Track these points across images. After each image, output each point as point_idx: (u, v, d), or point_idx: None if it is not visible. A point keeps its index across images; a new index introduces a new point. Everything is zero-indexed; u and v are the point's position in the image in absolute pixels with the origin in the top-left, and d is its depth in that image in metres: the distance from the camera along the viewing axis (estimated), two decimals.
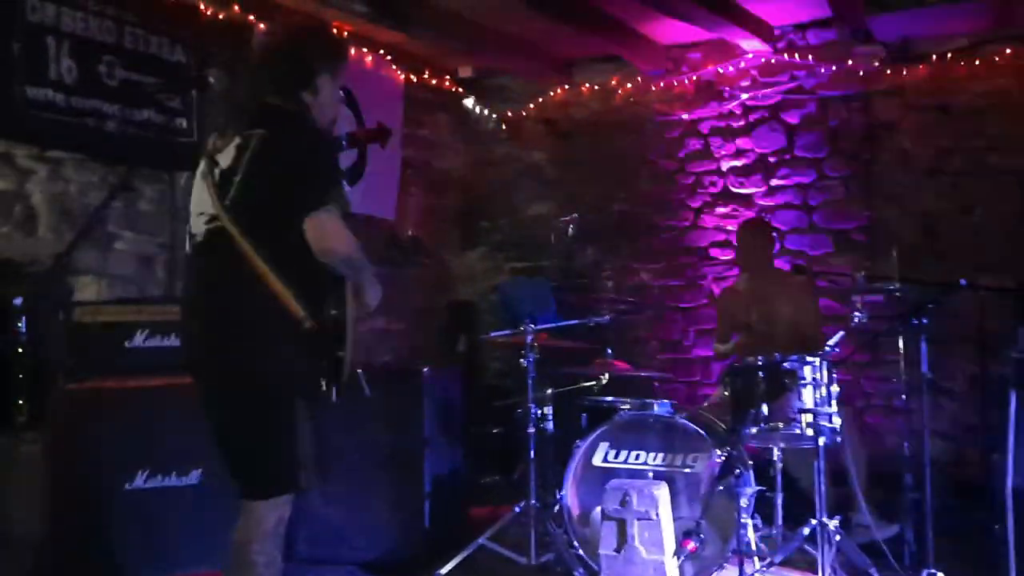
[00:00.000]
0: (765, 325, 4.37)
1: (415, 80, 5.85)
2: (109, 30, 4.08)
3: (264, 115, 2.41)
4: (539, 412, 3.90)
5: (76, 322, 3.30)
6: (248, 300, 2.32)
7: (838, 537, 3.31)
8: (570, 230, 4.88)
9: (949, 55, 5.05)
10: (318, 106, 2.50)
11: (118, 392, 3.24)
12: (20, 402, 3.71)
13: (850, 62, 5.26)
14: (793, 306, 4.40)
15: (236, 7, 4.60)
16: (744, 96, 5.64)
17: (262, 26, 4.79)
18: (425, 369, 4.05)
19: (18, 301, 3.53)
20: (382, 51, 5.53)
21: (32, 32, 3.80)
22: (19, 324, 3.68)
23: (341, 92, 2.64)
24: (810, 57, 5.37)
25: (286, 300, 2.29)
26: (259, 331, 2.34)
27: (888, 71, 5.20)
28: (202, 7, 4.47)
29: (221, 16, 4.55)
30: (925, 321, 3.45)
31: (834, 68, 5.32)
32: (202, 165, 2.46)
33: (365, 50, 5.44)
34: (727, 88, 5.69)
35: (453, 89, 6.21)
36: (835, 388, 3.48)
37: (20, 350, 3.71)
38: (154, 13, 4.23)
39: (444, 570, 3.58)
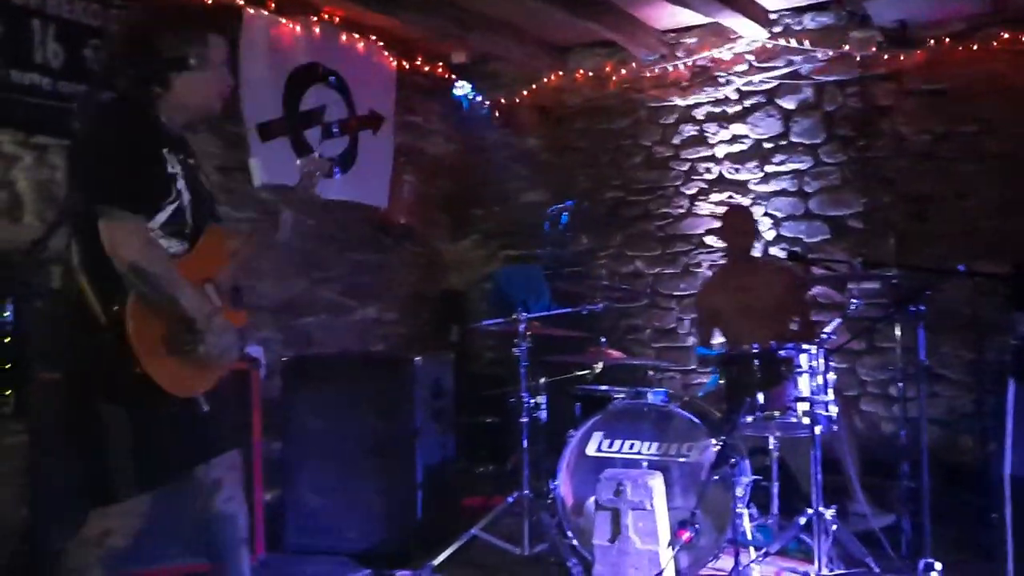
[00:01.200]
0: (742, 315, 4.33)
1: (407, 66, 5.79)
2: (95, 13, 4.00)
3: (96, 108, 2.44)
4: (532, 401, 3.87)
5: (55, 312, 3.23)
6: (64, 300, 2.34)
7: (834, 527, 3.29)
8: (563, 217, 4.85)
9: (946, 39, 5.00)
10: (172, 101, 2.43)
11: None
12: (5, 392, 3.66)
13: (847, 47, 5.21)
14: (773, 295, 4.36)
15: None
16: (739, 81, 5.59)
17: (250, 10, 4.73)
18: (417, 358, 4.01)
19: (1, 289, 3.48)
20: (374, 37, 5.46)
21: (17, 15, 3.73)
22: (4, 313, 3.62)
23: (222, 82, 2.52)
24: (806, 42, 5.31)
25: (87, 298, 2.24)
26: (68, 334, 2.35)
27: (885, 56, 5.15)
28: None
29: (208, 0, 4.47)
30: (922, 308, 3.42)
31: (831, 53, 5.26)
32: None
33: (357, 36, 5.37)
34: (722, 73, 5.64)
35: (446, 76, 6.14)
36: (831, 376, 3.44)
37: (6, 340, 3.66)
38: None
39: (437, 561, 3.55)
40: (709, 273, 4.76)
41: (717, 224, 5.63)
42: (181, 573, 3.37)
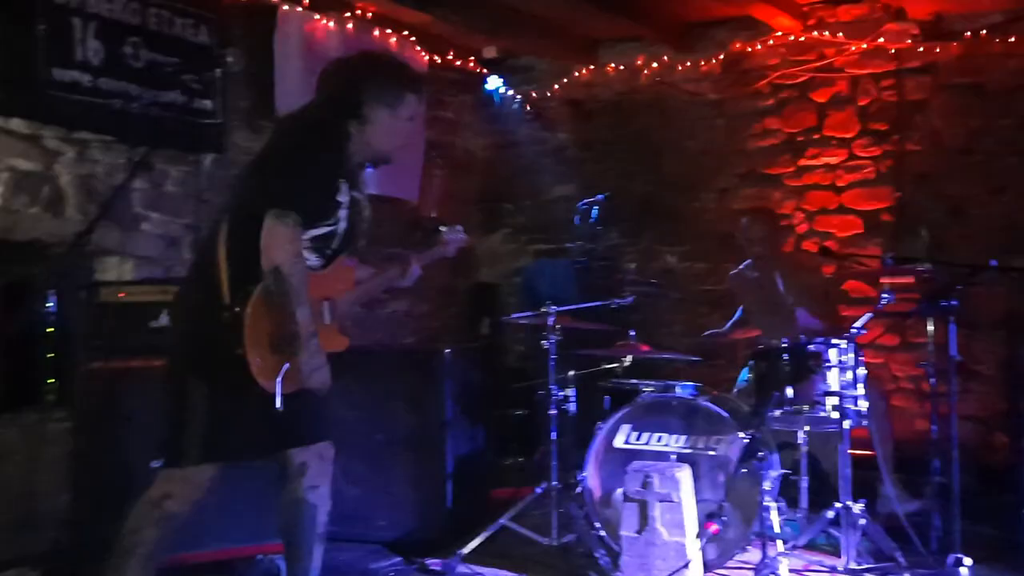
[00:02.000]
0: (770, 313, 4.31)
1: (439, 61, 5.83)
2: (134, 11, 4.09)
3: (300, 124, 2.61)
4: (561, 394, 3.89)
5: (101, 302, 3.33)
6: (195, 282, 2.55)
7: (863, 521, 3.28)
8: (594, 212, 4.85)
9: (983, 32, 4.93)
10: (362, 137, 2.56)
11: (143, 371, 3.27)
12: (49, 381, 3.77)
13: (881, 40, 5.15)
14: (802, 280, 4.33)
15: None
16: (772, 75, 5.56)
17: (285, 7, 4.80)
18: (447, 351, 4.06)
19: (45, 281, 3.59)
20: (406, 32, 5.51)
21: (58, 14, 3.82)
22: (47, 304, 3.74)
23: (404, 135, 2.68)
24: (840, 34, 5.27)
25: (220, 283, 2.40)
26: (191, 311, 2.54)
27: (920, 48, 5.09)
28: None
29: None
30: (954, 303, 3.39)
31: (865, 46, 5.22)
32: None
33: (389, 31, 5.42)
34: (755, 67, 5.61)
35: (477, 70, 6.17)
36: (861, 371, 3.43)
37: (48, 329, 3.77)
38: None
39: (466, 549, 3.60)
40: (741, 266, 4.72)
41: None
42: (237, 555, 3.45)
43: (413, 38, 5.58)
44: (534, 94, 6.31)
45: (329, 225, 2.49)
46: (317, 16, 5.00)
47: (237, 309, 2.36)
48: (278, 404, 2.41)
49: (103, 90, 3.96)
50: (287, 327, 2.39)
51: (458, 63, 6.01)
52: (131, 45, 4.08)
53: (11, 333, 3.66)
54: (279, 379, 2.38)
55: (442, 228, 3.05)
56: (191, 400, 2.46)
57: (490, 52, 6.17)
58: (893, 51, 5.16)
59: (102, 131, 4.02)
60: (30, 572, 3.47)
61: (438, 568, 3.58)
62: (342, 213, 2.51)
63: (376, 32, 5.35)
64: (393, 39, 5.46)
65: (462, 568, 3.54)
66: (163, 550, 2.54)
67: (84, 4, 3.91)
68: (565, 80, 6.19)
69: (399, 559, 3.72)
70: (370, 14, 5.26)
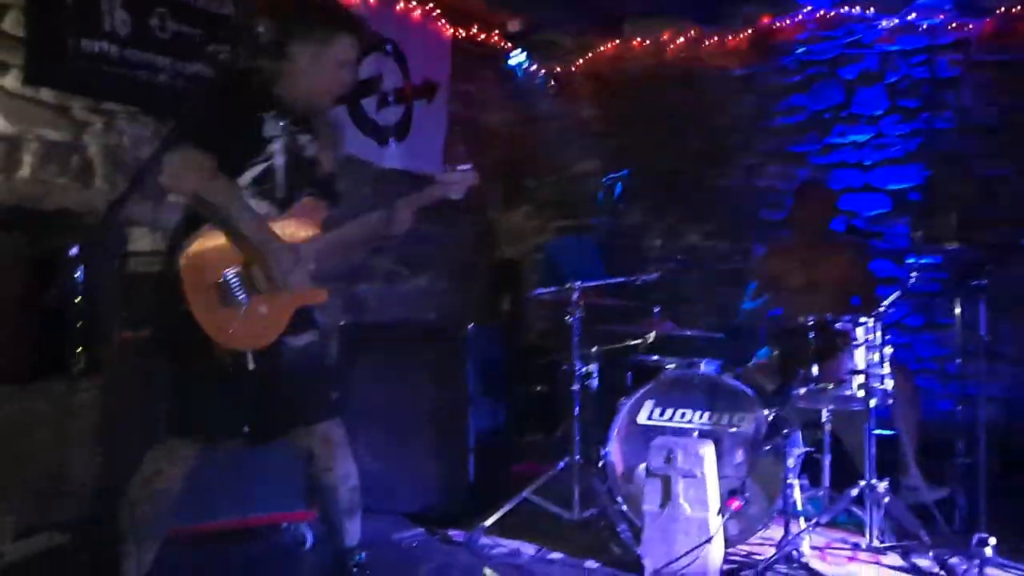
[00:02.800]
0: (811, 290, 4.27)
1: (463, 35, 5.79)
2: None
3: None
4: (584, 370, 3.90)
5: (131, 272, 3.35)
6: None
7: (887, 499, 3.27)
8: (617, 188, 4.83)
9: (1016, 8, 4.84)
10: (287, 76, 2.49)
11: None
12: (77, 351, 3.81)
13: (912, 15, 5.07)
14: (841, 271, 4.29)
15: None
16: (800, 50, 5.48)
17: None
18: (470, 327, 4.06)
19: (74, 251, 3.61)
20: (430, 5, 5.48)
21: None
22: (75, 274, 3.76)
23: (348, 66, 2.55)
24: (871, 10, 5.19)
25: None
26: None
27: (952, 24, 5.01)
28: None
29: None
30: (983, 283, 3.36)
31: (895, 21, 5.13)
32: None
33: (413, 4, 5.39)
34: (783, 42, 5.54)
35: (501, 44, 6.13)
36: (888, 350, 3.41)
37: (76, 299, 3.80)
38: None
39: (489, 522, 3.62)
40: (775, 241, 4.67)
41: (773, 197, 5.57)
42: (263, 523, 3.49)
43: (437, 11, 5.54)
44: (558, 68, 6.27)
45: (262, 161, 2.46)
46: None
47: (171, 259, 2.37)
48: (251, 364, 2.41)
49: (130, 61, 3.96)
50: (229, 269, 2.39)
51: (482, 37, 5.97)
52: (158, 16, 4.08)
53: (40, 303, 3.69)
54: (230, 331, 2.36)
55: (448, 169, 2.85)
56: (159, 378, 2.51)
57: (514, 26, 6.12)
58: (924, 27, 5.07)
59: (129, 102, 4.02)
60: (59, 537, 3.53)
61: (460, 539, 3.61)
62: (276, 147, 2.47)
63: (399, 5, 5.32)
64: (417, 11, 5.43)
65: (484, 540, 3.57)
66: (163, 525, 2.59)
67: None
68: (589, 55, 6.14)
69: (422, 530, 3.76)
70: None
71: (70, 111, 3.87)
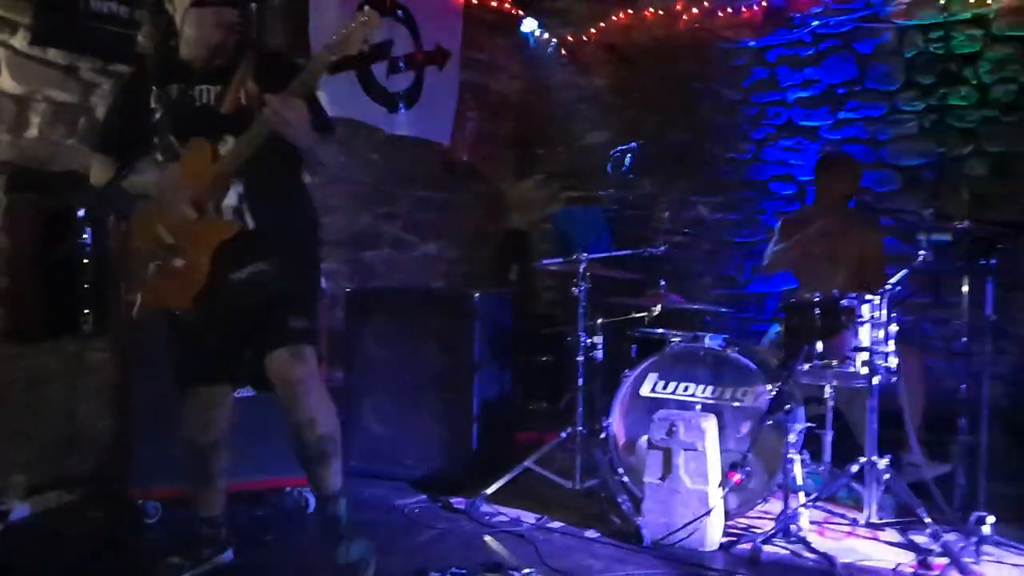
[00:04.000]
0: (827, 263, 4.25)
1: (475, 1, 5.73)
2: None
3: None
4: (589, 341, 3.91)
5: None
6: None
7: (887, 476, 3.29)
8: (627, 159, 4.79)
9: None
10: (181, 39, 2.64)
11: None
12: (86, 311, 3.84)
13: None
14: (859, 246, 4.27)
15: None
16: (815, 23, 5.41)
17: None
18: (476, 295, 4.07)
19: (82, 212, 3.62)
20: None
21: None
22: (84, 235, 3.78)
23: (212, 16, 2.59)
24: None
25: None
26: None
27: (971, 0, 4.93)
28: None
29: None
30: (993, 262, 3.34)
31: None
32: None
33: None
34: (797, 14, 5.46)
35: (513, 11, 6.07)
36: (893, 327, 3.40)
37: (85, 260, 3.82)
38: None
39: (490, 490, 3.65)
40: (796, 212, 4.62)
41: (784, 171, 5.53)
42: (267, 487, 3.55)
43: None
44: (570, 37, 6.21)
45: (155, 131, 2.60)
46: None
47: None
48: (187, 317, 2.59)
49: (139, 22, 3.95)
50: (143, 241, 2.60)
51: (494, 4, 5.91)
52: None
53: (50, 263, 3.71)
54: (152, 293, 2.57)
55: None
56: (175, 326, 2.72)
57: None
58: (943, 1, 4.99)
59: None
60: (68, 496, 3.59)
61: (462, 507, 3.65)
62: (158, 115, 2.60)
63: None
64: None
65: (485, 507, 3.61)
66: (213, 470, 2.80)
67: None
68: (602, 24, 6.07)
69: (424, 497, 3.80)
70: None
71: (78, 72, 3.86)
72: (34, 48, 3.69)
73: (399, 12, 5.23)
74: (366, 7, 2.70)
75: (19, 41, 3.64)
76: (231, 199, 2.56)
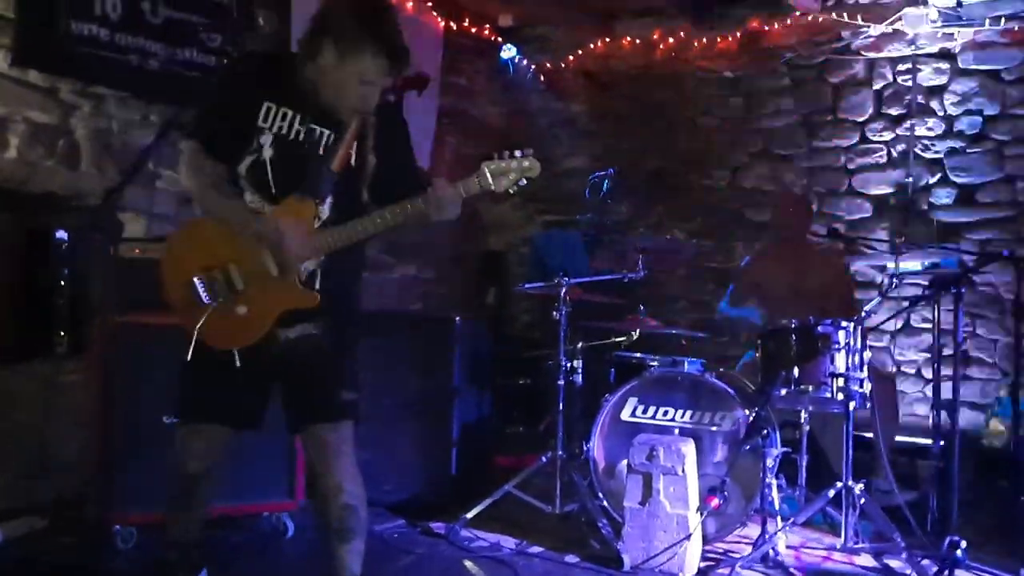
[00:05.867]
0: (794, 295, 4.32)
1: (455, 27, 5.79)
2: None
3: None
4: (569, 365, 3.93)
5: (120, 257, 3.34)
6: None
7: (862, 501, 3.34)
8: (604, 184, 4.85)
9: (1003, 20, 4.91)
10: (317, 72, 2.32)
11: (156, 327, 3.30)
12: (61, 333, 3.80)
13: (900, 23, 5.13)
14: (823, 277, 4.35)
15: None
16: (789, 55, 5.53)
17: None
18: (456, 318, 4.09)
19: (61, 234, 3.60)
20: None
21: None
22: (63, 257, 3.75)
23: (370, 86, 2.33)
24: (859, 17, 5.24)
25: None
26: None
27: (939, 34, 5.07)
28: None
29: None
30: (962, 290, 3.43)
31: (883, 29, 5.19)
32: None
33: None
34: (772, 46, 5.58)
35: (492, 38, 6.14)
36: (868, 354, 3.47)
37: (62, 282, 3.79)
38: None
39: (470, 515, 3.65)
40: (759, 245, 4.73)
41: (760, 197, 5.62)
42: (244, 512, 3.51)
43: (429, 3, 5.54)
44: (548, 64, 6.28)
45: (251, 154, 2.35)
46: None
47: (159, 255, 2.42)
48: (237, 362, 2.39)
49: (120, 45, 3.95)
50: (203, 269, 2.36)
51: (473, 30, 5.97)
52: (150, 1, 4.06)
53: (26, 284, 3.68)
54: (201, 329, 2.35)
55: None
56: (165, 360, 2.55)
57: (506, 20, 6.13)
58: (910, 35, 5.13)
59: (118, 86, 4.01)
60: (39, 521, 3.53)
61: (441, 532, 3.64)
62: (264, 140, 2.35)
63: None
64: (409, 3, 5.43)
65: (465, 532, 3.60)
66: (195, 503, 2.64)
67: None
68: (580, 51, 6.16)
69: (402, 521, 3.78)
70: None
71: (58, 93, 3.85)
72: (14, 69, 3.68)
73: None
74: (528, 151, 2.41)
75: None
76: (310, 263, 2.40)
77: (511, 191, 2.41)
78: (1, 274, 3.66)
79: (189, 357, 2.41)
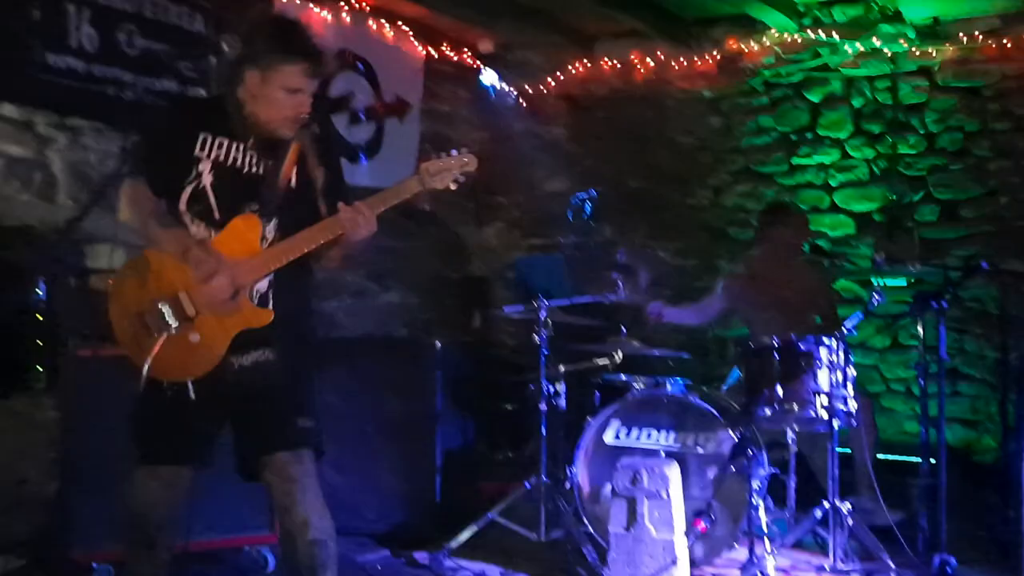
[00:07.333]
0: (774, 309, 4.30)
1: (435, 54, 5.81)
2: None
3: None
4: (551, 389, 3.90)
5: (90, 289, 3.31)
6: None
7: (850, 521, 3.30)
8: (587, 206, 4.84)
9: (979, 35, 4.94)
10: (246, 96, 2.40)
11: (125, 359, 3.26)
12: (38, 368, 3.76)
13: (877, 41, 5.16)
14: (805, 291, 4.32)
15: None
16: (767, 73, 5.56)
17: None
18: (437, 343, 4.06)
19: (34, 267, 3.57)
20: (402, 24, 5.49)
21: None
22: (37, 290, 3.72)
23: (299, 93, 2.40)
24: (835, 35, 5.28)
25: None
26: None
27: (916, 51, 5.10)
28: None
29: None
30: (945, 305, 3.41)
31: (860, 47, 5.22)
32: None
33: (385, 23, 5.40)
34: (750, 65, 5.61)
35: (473, 64, 6.16)
36: (851, 371, 3.45)
37: (38, 316, 3.75)
38: None
39: (454, 543, 3.60)
40: (740, 261, 4.71)
41: (741, 216, 5.62)
42: (224, 545, 3.45)
43: (409, 31, 5.56)
44: (529, 88, 6.30)
45: (190, 183, 2.40)
46: (314, 7, 4.97)
47: (107, 284, 2.45)
48: (191, 394, 2.36)
49: (96, 76, 3.94)
50: (150, 301, 2.34)
51: (454, 57, 5.98)
52: (125, 32, 4.05)
53: (1, 319, 3.63)
54: (147, 361, 2.30)
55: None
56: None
57: (486, 46, 6.15)
58: (889, 53, 5.16)
59: (95, 118, 3.99)
60: (16, 561, 3.46)
61: (425, 562, 3.59)
62: (202, 168, 2.40)
63: (372, 24, 5.32)
64: (389, 31, 5.44)
65: (449, 562, 3.55)
66: (156, 542, 2.54)
67: None
68: (560, 75, 6.18)
69: (386, 552, 3.73)
70: (367, 6, 5.24)
71: (34, 127, 3.83)
72: None
73: (360, 65, 5.28)
74: (464, 150, 2.53)
75: None
76: (262, 284, 2.42)
77: (452, 186, 2.50)
78: None
79: (141, 393, 2.37)
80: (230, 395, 2.42)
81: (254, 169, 2.46)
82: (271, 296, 2.44)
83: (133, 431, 2.48)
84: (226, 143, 2.43)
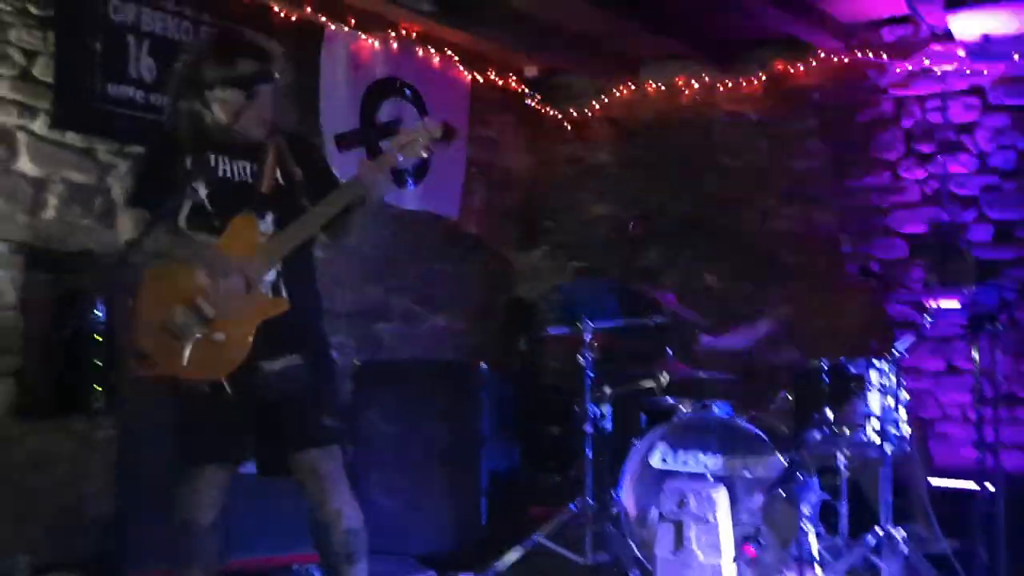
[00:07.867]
0: (828, 335, 4.24)
1: (481, 80, 5.89)
2: (186, 30, 4.21)
3: None
4: (597, 412, 3.89)
5: None
6: None
7: (905, 548, 3.22)
8: (632, 229, 4.85)
9: None
10: (222, 115, 2.57)
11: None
12: (97, 388, 3.86)
13: (926, 61, 5.10)
14: (858, 316, 4.26)
15: (308, 7, 4.71)
16: (815, 95, 5.52)
17: (332, 27, 4.89)
18: (484, 366, 4.08)
19: (94, 289, 3.68)
20: (449, 51, 5.58)
21: (113, 31, 3.95)
22: (96, 312, 3.83)
23: (255, 108, 2.58)
24: (884, 55, 5.23)
25: None
26: None
27: (967, 70, 5.03)
28: (275, 7, 4.58)
29: (293, 17, 4.66)
30: (1000, 328, 3.34)
31: (909, 67, 5.16)
32: None
33: (433, 50, 5.49)
34: (797, 87, 5.58)
35: (519, 89, 6.22)
36: (904, 395, 3.38)
37: (98, 338, 3.86)
38: (229, 13, 4.35)
39: (500, 566, 3.59)
40: (790, 286, 4.67)
41: (791, 240, 5.56)
42: (272, 564, 3.51)
43: (456, 57, 5.65)
44: (575, 112, 6.34)
45: (188, 198, 2.54)
46: (363, 36, 5.09)
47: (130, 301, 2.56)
48: (228, 390, 2.45)
49: (155, 106, 4.07)
50: (173, 307, 2.46)
51: (500, 82, 6.06)
52: (182, 63, 4.18)
53: (62, 341, 3.75)
54: (185, 364, 2.43)
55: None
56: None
57: (531, 71, 6.22)
58: (938, 72, 5.10)
59: None
60: None
61: None
62: (197, 183, 2.54)
63: (419, 51, 5.42)
64: (436, 57, 5.54)
65: None
66: (204, 555, 2.61)
67: (139, 22, 4.04)
68: (605, 99, 6.21)
69: (432, 573, 3.74)
70: (414, 34, 5.34)
71: (95, 154, 3.97)
72: (53, 132, 3.81)
73: (407, 91, 5.38)
74: (427, 119, 2.78)
75: (38, 126, 3.77)
76: (270, 275, 2.55)
77: (423, 153, 2.67)
78: (39, 331, 3.74)
79: (180, 400, 2.53)
80: (262, 399, 2.54)
81: (240, 174, 2.62)
82: (282, 284, 2.57)
83: (178, 439, 2.61)
84: (213, 158, 2.59)
